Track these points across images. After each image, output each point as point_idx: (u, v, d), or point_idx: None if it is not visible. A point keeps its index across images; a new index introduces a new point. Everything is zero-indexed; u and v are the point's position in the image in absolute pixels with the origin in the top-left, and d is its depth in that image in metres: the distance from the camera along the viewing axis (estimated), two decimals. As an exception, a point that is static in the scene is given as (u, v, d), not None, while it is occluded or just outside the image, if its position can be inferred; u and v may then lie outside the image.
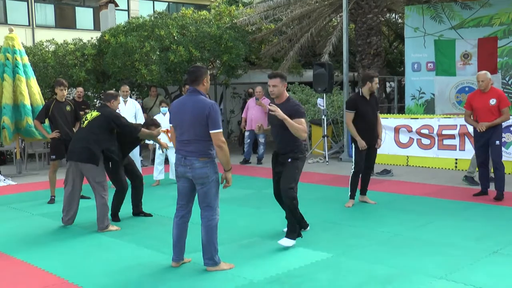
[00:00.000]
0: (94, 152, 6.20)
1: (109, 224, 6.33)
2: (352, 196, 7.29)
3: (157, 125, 6.83)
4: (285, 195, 5.39)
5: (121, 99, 9.44)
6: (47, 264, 5.09)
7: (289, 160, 5.48)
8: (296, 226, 5.44)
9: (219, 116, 4.64)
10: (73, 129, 8.08)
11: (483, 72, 7.55)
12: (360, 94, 7.18)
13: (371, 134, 7.18)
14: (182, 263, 4.93)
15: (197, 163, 4.60)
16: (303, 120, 5.41)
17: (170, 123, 4.88)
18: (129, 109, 9.41)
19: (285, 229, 5.87)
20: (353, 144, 7.23)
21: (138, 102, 10.91)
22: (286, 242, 5.34)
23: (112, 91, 6.95)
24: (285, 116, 5.27)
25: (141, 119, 9.31)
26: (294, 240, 5.39)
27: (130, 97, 9.82)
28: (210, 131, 4.55)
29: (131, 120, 9.23)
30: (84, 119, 6.49)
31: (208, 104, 4.58)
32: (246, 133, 12.29)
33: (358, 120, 7.09)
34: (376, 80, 7.14)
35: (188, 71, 4.79)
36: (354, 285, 4.35)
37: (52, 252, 5.51)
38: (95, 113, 6.44)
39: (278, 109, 5.25)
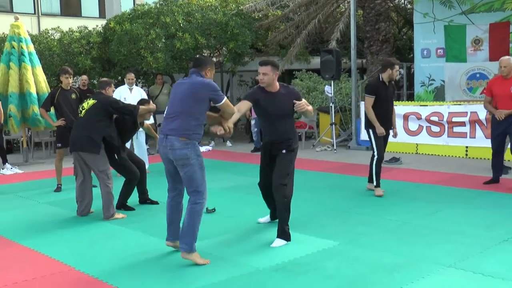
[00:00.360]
0: (95, 140, 6.18)
1: (115, 212, 6.31)
2: (378, 184, 7.08)
3: (149, 101, 6.78)
4: (277, 192, 5.06)
5: (126, 87, 9.40)
6: (53, 251, 5.10)
7: (284, 151, 5.14)
8: (287, 226, 5.16)
9: (218, 90, 4.62)
10: (78, 117, 8.05)
11: (507, 57, 7.35)
12: (380, 79, 7.06)
13: (388, 121, 7.09)
14: (177, 244, 4.85)
15: (177, 144, 4.50)
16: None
17: None
18: (135, 97, 9.31)
19: (260, 219, 5.84)
20: (370, 131, 7.08)
21: (144, 90, 10.84)
22: (279, 243, 5.09)
23: (106, 79, 6.96)
24: (309, 107, 5.14)
25: (146, 107, 9.22)
26: (287, 240, 5.12)
27: (136, 85, 9.75)
28: (219, 105, 4.60)
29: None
30: (81, 109, 6.42)
31: (205, 81, 4.59)
32: (253, 121, 12.22)
33: (376, 105, 6.95)
34: (397, 67, 7.00)
35: (194, 57, 4.75)
36: (361, 273, 4.30)
37: (59, 240, 5.52)
38: (91, 101, 6.37)
39: (303, 103, 5.08)
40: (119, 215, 6.32)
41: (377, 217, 6.02)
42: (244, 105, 5.15)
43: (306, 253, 4.79)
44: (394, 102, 7.32)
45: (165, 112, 4.73)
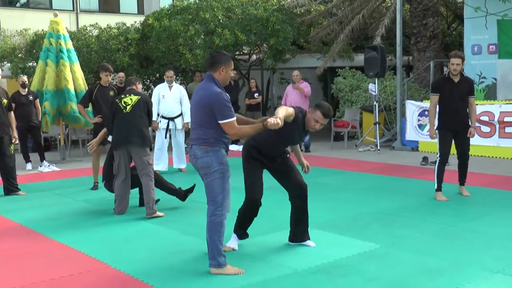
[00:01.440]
0: (146, 135, 6.39)
1: (156, 209, 6.30)
2: (439, 188, 6.77)
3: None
4: (306, 195, 5.02)
5: (166, 84, 9.29)
6: (90, 248, 5.12)
7: (288, 155, 5.01)
8: None
9: (225, 105, 4.21)
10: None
11: None
12: (446, 75, 6.76)
13: (456, 119, 6.68)
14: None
15: (199, 152, 4.32)
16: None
17: None
18: (174, 95, 9.22)
19: (230, 245, 5.04)
20: (437, 131, 6.81)
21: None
22: (312, 243, 5.04)
23: (133, 77, 7.36)
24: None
25: (186, 105, 9.09)
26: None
27: (175, 82, 9.64)
28: (219, 122, 4.22)
29: (177, 105, 9.20)
30: (124, 104, 6.43)
31: (213, 93, 4.24)
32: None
33: (441, 103, 6.69)
34: (453, 60, 6.54)
35: (210, 54, 4.57)
36: (402, 276, 4.18)
37: (95, 237, 5.56)
38: (134, 97, 6.49)
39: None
40: (159, 213, 6.29)
41: (421, 220, 5.85)
42: None
43: (346, 255, 4.69)
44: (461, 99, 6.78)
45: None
